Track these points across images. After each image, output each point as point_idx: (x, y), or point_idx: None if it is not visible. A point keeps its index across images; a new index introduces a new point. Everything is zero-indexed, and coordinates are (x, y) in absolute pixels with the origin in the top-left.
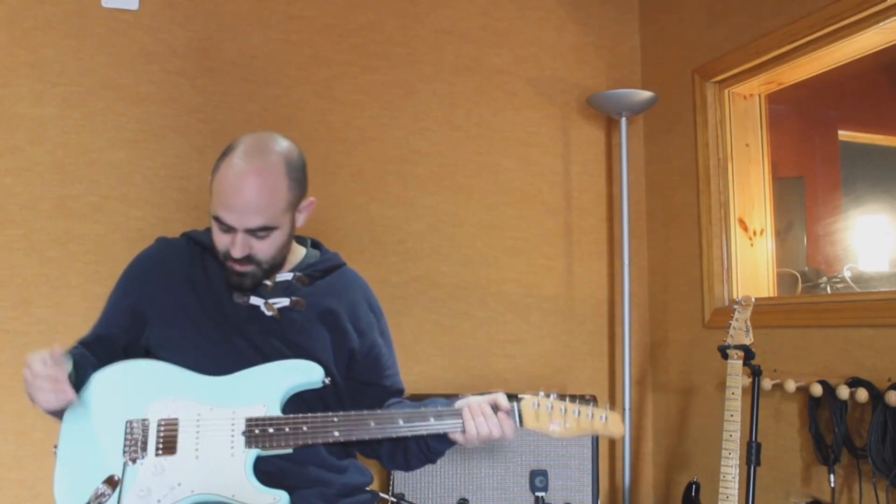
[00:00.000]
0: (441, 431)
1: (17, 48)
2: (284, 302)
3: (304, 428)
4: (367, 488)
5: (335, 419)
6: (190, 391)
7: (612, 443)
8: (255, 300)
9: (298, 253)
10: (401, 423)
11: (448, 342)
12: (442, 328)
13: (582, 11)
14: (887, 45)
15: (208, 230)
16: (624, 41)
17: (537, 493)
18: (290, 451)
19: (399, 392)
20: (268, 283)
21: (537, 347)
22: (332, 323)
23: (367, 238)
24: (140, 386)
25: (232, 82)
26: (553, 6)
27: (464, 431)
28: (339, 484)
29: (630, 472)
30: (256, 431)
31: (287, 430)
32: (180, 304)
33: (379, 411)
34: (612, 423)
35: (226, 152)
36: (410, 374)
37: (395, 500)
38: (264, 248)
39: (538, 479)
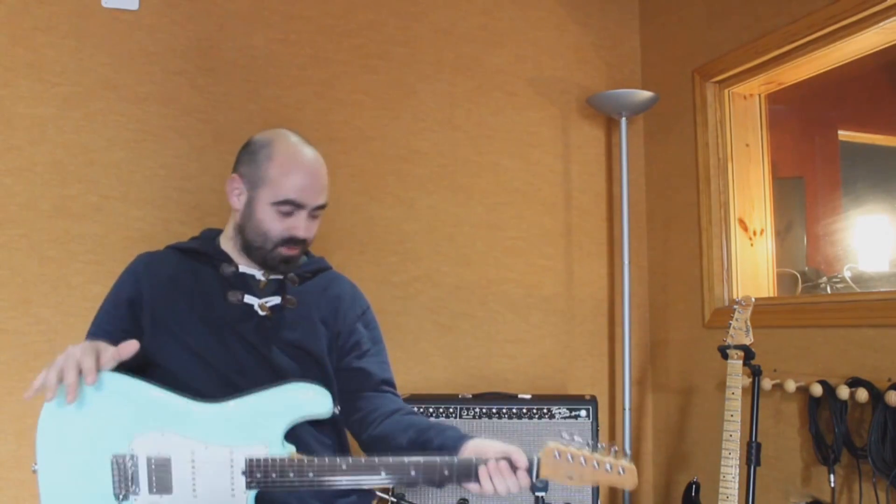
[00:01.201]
0: (454, 483)
1: (17, 48)
2: (276, 300)
3: (310, 474)
4: (366, 488)
5: (343, 466)
6: (180, 424)
7: (612, 443)
8: (249, 299)
9: None
10: (413, 475)
11: (448, 342)
12: (442, 328)
13: (582, 11)
14: (887, 45)
15: (193, 239)
16: (624, 41)
17: (537, 493)
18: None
19: (387, 382)
20: (261, 279)
21: (537, 347)
22: (324, 317)
23: (367, 238)
24: (122, 412)
25: (232, 82)
26: (553, 6)
27: (479, 484)
28: None
29: None
30: (258, 475)
31: (291, 475)
32: (171, 309)
33: (391, 459)
34: (628, 476)
35: (262, 145)
36: (410, 374)
37: (394, 500)
38: (313, 230)
39: (538, 480)
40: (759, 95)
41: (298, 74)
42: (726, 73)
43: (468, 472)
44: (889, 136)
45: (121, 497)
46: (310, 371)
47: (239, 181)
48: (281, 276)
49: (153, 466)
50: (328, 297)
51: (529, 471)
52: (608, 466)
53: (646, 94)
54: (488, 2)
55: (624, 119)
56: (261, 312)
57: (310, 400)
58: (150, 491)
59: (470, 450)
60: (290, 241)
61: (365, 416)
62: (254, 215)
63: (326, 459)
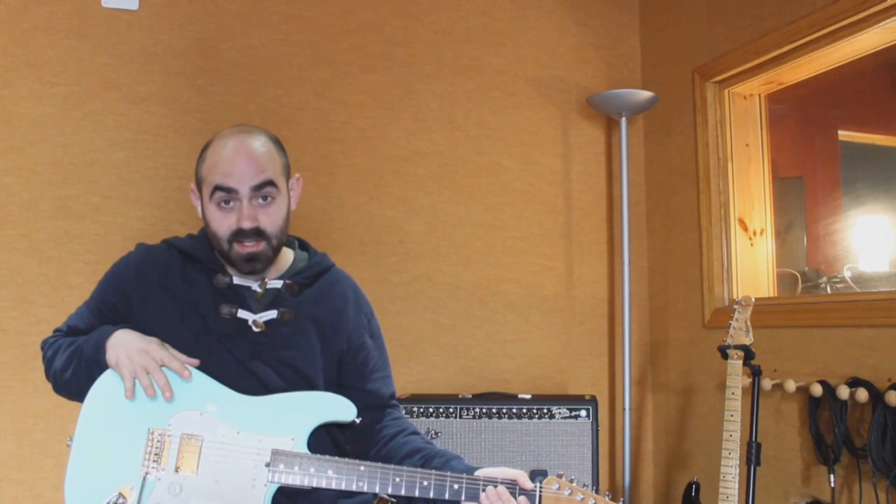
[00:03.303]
0: (461, 499)
1: (17, 48)
2: (272, 315)
3: (329, 472)
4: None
5: (361, 468)
6: (218, 408)
7: (612, 443)
8: (243, 314)
9: (287, 256)
10: (425, 484)
11: (448, 342)
12: (442, 328)
13: (582, 11)
14: (887, 45)
15: (191, 237)
16: (624, 41)
17: None
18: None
19: (390, 396)
20: (258, 290)
21: (537, 347)
22: (321, 331)
23: (367, 238)
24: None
25: (232, 82)
26: (553, 6)
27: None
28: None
29: (630, 472)
30: (281, 466)
31: (312, 470)
32: (161, 318)
33: (406, 468)
34: None
35: (206, 146)
36: (410, 374)
37: (395, 500)
38: (270, 218)
39: (538, 479)
40: (759, 95)
41: (298, 74)
42: (726, 73)
43: (475, 491)
44: (889, 136)
45: (145, 475)
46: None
47: (195, 191)
48: (279, 286)
49: (184, 445)
50: (329, 309)
51: (531, 499)
52: None
53: (646, 94)
54: (488, 2)
55: (624, 119)
56: (255, 329)
57: (338, 405)
58: (175, 470)
59: (478, 473)
60: (239, 233)
61: (370, 435)
62: (206, 220)
63: (346, 460)
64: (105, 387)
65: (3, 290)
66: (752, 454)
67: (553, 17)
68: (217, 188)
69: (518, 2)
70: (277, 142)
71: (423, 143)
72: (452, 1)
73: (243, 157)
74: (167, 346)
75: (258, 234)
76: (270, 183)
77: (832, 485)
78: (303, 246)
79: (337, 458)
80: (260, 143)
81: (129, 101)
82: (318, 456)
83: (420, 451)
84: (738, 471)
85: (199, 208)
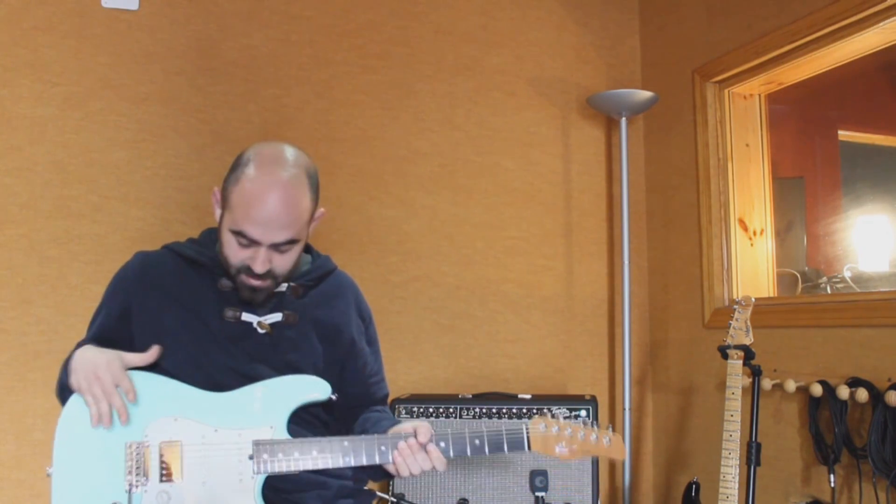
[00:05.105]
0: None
1: (17, 48)
2: (277, 317)
3: (314, 452)
4: (366, 488)
5: (346, 443)
6: (192, 410)
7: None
8: (247, 317)
9: None
10: (383, 449)
11: (448, 342)
12: (442, 328)
13: (582, 11)
14: (887, 45)
15: (192, 241)
16: (624, 41)
17: (537, 493)
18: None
19: (383, 398)
20: None
21: (537, 347)
22: (325, 335)
23: (367, 238)
24: (138, 403)
25: (232, 82)
26: (553, 6)
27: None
28: (338, 486)
29: (630, 472)
30: (265, 456)
31: (297, 454)
32: (160, 325)
33: (389, 436)
34: (615, 446)
35: (241, 163)
36: (410, 374)
37: (395, 500)
38: (284, 263)
39: (538, 479)
40: (759, 95)
41: (298, 74)
42: (726, 73)
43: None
44: (889, 136)
45: (130, 489)
46: None
47: (218, 195)
48: (283, 289)
49: (164, 452)
50: (331, 313)
51: (520, 444)
52: (594, 437)
53: (646, 94)
54: (488, 2)
55: (624, 119)
56: (260, 331)
57: (311, 385)
58: (160, 479)
59: (391, 432)
60: (249, 271)
61: (351, 426)
62: (220, 235)
63: (330, 437)
64: (73, 410)
65: (3, 290)
66: (752, 454)
67: (553, 17)
68: (243, 234)
69: (518, 2)
70: (314, 177)
71: (423, 143)
72: (452, 1)
73: (278, 215)
74: (122, 356)
75: (267, 274)
76: (291, 241)
77: (832, 485)
78: (305, 248)
79: (319, 437)
80: (295, 193)
81: (129, 101)
82: (301, 439)
83: (366, 420)
84: (738, 471)
85: (218, 216)
